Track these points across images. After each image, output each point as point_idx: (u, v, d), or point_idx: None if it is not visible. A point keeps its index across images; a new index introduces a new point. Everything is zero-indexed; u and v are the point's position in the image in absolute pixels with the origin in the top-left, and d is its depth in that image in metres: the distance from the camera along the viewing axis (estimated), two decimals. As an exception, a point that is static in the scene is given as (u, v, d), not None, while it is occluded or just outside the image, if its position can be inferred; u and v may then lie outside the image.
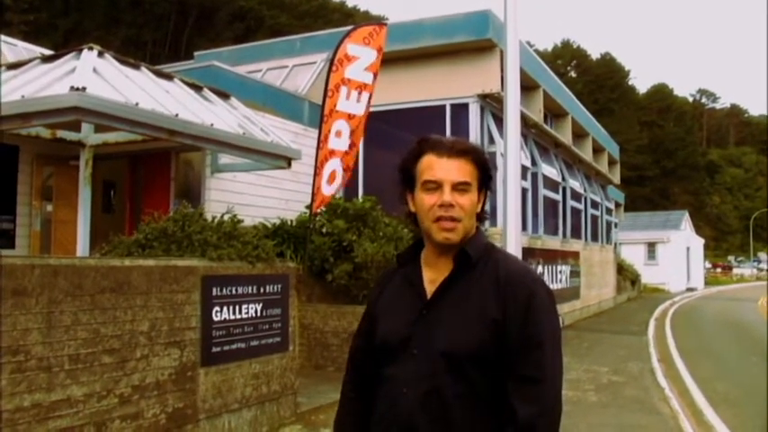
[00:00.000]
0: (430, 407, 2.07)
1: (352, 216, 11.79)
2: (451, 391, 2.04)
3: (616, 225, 34.65)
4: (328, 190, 10.60)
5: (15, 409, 4.95)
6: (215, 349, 6.91)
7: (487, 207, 2.30)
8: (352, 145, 10.66)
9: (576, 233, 22.94)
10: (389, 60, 13.05)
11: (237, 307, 7.24)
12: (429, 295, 2.18)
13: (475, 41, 15.17)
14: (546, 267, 18.18)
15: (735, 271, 74.84)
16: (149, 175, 12.34)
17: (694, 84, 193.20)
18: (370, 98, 10.70)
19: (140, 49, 48.72)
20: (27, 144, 11.22)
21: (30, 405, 5.05)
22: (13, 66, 9.66)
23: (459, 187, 2.13)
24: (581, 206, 23.78)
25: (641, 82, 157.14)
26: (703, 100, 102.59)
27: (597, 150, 27.39)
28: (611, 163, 30.49)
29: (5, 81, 8.68)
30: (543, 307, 2.08)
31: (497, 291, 2.07)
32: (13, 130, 8.88)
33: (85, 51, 8.81)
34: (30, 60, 9.57)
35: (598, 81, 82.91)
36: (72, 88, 7.30)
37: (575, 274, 21.65)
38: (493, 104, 15.54)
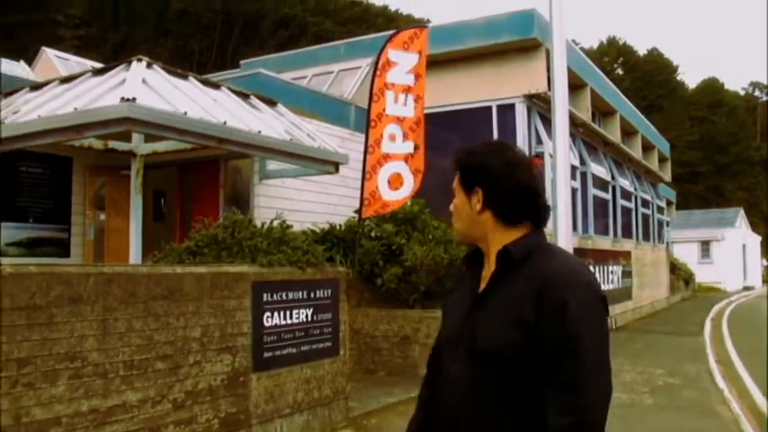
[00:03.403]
0: (470, 405, 2.07)
1: (401, 219, 11.79)
2: (489, 390, 2.04)
3: (668, 224, 34.12)
4: (394, 195, 10.55)
5: (74, 414, 5.05)
6: (266, 354, 6.95)
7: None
8: (417, 148, 10.63)
9: (626, 233, 22.67)
10: (434, 63, 13.05)
11: (288, 312, 7.28)
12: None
13: (520, 41, 15.10)
14: (597, 268, 17.97)
15: (794, 268, 73.28)
16: (199, 183, 12.47)
17: (746, 77, 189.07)
18: (417, 100, 10.66)
19: (187, 59, 49.30)
20: (80, 155, 11.43)
21: (87, 410, 5.14)
22: (65, 79, 9.85)
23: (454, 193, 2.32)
24: (631, 205, 23.49)
25: (691, 77, 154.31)
26: (756, 93, 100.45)
27: (647, 148, 27.04)
28: (662, 160, 30.09)
29: (59, 95, 8.86)
30: (583, 309, 2.00)
31: (534, 291, 2.04)
32: (66, 142, 9.05)
33: (135, 63, 8.95)
34: (81, 74, 9.75)
35: (646, 77, 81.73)
36: (122, 99, 7.42)
37: (626, 274, 21.37)
38: (540, 104, 15.44)
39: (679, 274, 34.00)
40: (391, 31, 11.63)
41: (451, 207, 2.32)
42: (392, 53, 10.48)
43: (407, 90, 10.55)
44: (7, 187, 10.74)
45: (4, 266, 4.85)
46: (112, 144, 10.16)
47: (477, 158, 2.26)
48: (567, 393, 1.95)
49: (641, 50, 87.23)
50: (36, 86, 10.12)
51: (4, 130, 8.32)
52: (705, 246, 47.46)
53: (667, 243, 32.88)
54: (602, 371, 2.01)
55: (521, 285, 2.08)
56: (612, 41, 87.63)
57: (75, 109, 7.76)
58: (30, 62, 18.19)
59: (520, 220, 2.21)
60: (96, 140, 9.89)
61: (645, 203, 25.64)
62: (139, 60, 9.05)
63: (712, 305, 28.98)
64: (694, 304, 30.29)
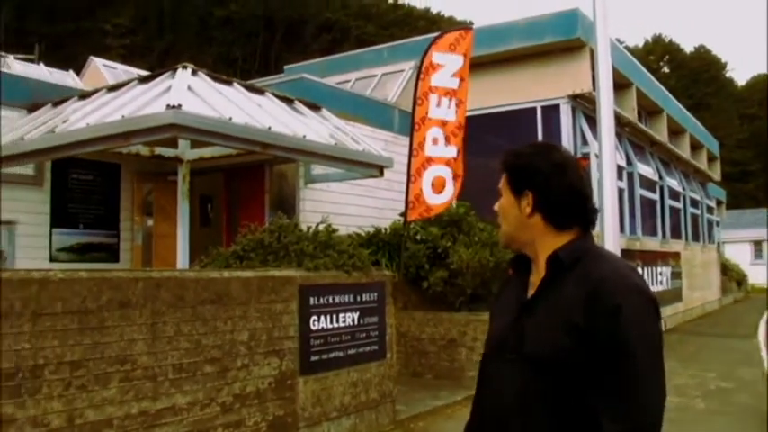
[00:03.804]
0: (520, 410, 2.05)
1: (447, 222, 11.77)
2: (539, 394, 2.01)
3: (718, 224, 33.55)
4: (436, 199, 10.54)
5: (125, 416, 5.12)
6: (313, 358, 6.98)
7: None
8: (459, 151, 10.62)
9: (675, 233, 22.35)
10: (478, 65, 13.01)
11: (335, 316, 7.31)
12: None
13: (564, 42, 15.00)
14: (645, 269, 17.74)
15: None
16: (244, 188, 12.57)
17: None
18: (460, 103, 10.64)
19: (231, 65, 49.70)
20: (128, 162, 11.61)
21: (137, 413, 5.22)
22: (113, 88, 10.02)
23: (499, 194, 2.29)
24: (680, 205, 23.17)
25: (740, 74, 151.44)
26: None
27: (695, 147, 26.65)
28: (711, 159, 29.62)
29: (107, 103, 9.01)
30: (635, 315, 1.98)
31: (585, 295, 2.01)
32: (114, 149, 9.19)
33: (180, 70, 9.07)
34: (128, 82, 9.90)
35: (693, 75, 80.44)
36: (168, 106, 7.51)
37: (676, 275, 21.05)
38: (585, 105, 15.31)
39: (731, 275, 33.38)
40: (435, 34, 11.61)
41: (496, 207, 2.29)
42: (437, 56, 10.46)
43: (451, 93, 10.53)
44: (58, 194, 10.95)
45: (55, 271, 4.94)
46: (159, 150, 10.30)
47: (527, 160, 2.23)
48: (622, 399, 1.93)
49: (688, 48, 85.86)
50: (84, 95, 10.30)
51: (55, 138, 8.47)
52: (758, 246, 46.56)
53: (718, 243, 32.32)
54: (656, 376, 1.99)
55: (570, 290, 2.05)
56: (658, 39, 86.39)
57: (123, 117, 7.88)
58: (78, 71, 18.53)
59: (570, 224, 2.19)
60: (143, 147, 10.03)
61: (694, 203, 25.27)
62: (185, 68, 9.17)
63: (766, 307, 28.38)
64: (747, 306, 29.68)
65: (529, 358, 2.05)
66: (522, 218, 2.21)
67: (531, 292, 2.20)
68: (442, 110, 10.45)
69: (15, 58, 20.68)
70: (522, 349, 2.08)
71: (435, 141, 10.43)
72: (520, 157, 2.25)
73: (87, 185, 11.42)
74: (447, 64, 10.51)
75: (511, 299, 2.27)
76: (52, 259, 10.74)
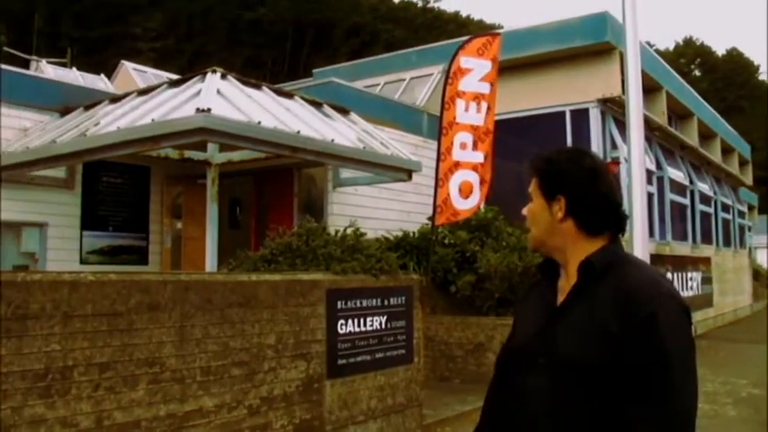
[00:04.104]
0: (552, 418, 2.02)
1: (475, 226, 11.73)
2: (571, 403, 1.99)
3: (750, 229, 33.19)
4: (464, 204, 10.50)
5: (153, 418, 5.16)
6: (341, 361, 6.98)
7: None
8: (487, 155, 10.58)
9: (706, 238, 22.11)
10: (506, 69, 12.96)
11: (362, 319, 7.30)
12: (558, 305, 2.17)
13: (593, 45, 14.91)
14: (675, 274, 17.58)
15: None
16: (273, 192, 12.61)
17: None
18: (489, 108, 10.61)
19: (260, 68, 49.94)
20: (157, 165, 11.70)
21: (165, 415, 5.24)
22: (143, 91, 10.11)
23: (529, 198, 2.25)
24: (711, 210, 22.93)
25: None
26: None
27: (726, 151, 26.38)
28: (743, 163, 29.31)
29: (137, 106, 9.09)
30: (670, 322, 1.97)
31: (618, 303, 2.00)
32: (144, 152, 9.26)
33: (209, 74, 9.13)
34: (158, 86, 9.99)
35: (725, 79, 79.61)
36: (198, 110, 7.57)
37: (706, 280, 20.83)
38: (614, 109, 15.21)
39: (763, 280, 33.00)
40: (463, 38, 11.59)
41: (525, 211, 2.26)
42: (464, 60, 10.44)
43: (479, 98, 10.49)
44: (89, 197, 11.06)
45: (86, 274, 4.99)
46: (189, 154, 10.36)
47: (560, 166, 2.21)
48: (656, 406, 1.91)
49: (720, 51, 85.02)
50: (115, 99, 10.40)
51: (87, 142, 8.56)
52: (790, 251, 45.95)
53: (750, 248, 31.97)
54: (689, 384, 1.98)
55: (603, 297, 2.04)
56: (689, 42, 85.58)
57: (153, 120, 7.95)
58: (109, 75, 18.74)
59: (602, 230, 2.17)
60: (173, 150, 10.10)
61: (725, 208, 25.00)
62: (214, 72, 9.22)
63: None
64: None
65: (561, 365, 2.03)
66: (554, 223, 2.18)
67: (560, 298, 2.17)
68: (470, 114, 10.41)
69: (48, 62, 20.99)
70: (554, 356, 2.06)
71: (464, 146, 10.39)
72: (552, 163, 2.23)
73: (117, 188, 11.53)
74: (475, 68, 10.47)
75: (538, 304, 2.25)
76: (82, 261, 10.85)
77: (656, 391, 1.91)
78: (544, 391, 2.06)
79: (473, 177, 10.47)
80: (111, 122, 8.70)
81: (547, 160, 2.24)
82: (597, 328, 1.99)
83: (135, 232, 11.79)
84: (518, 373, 2.18)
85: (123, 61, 19.65)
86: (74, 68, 20.13)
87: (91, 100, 10.63)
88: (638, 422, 1.91)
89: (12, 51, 28.67)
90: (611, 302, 2.01)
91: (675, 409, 1.92)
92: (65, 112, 10.58)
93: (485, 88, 10.55)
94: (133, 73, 18.23)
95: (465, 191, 10.41)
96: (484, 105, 10.54)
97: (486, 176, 10.60)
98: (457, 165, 10.35)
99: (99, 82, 16.75)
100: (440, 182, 10.30)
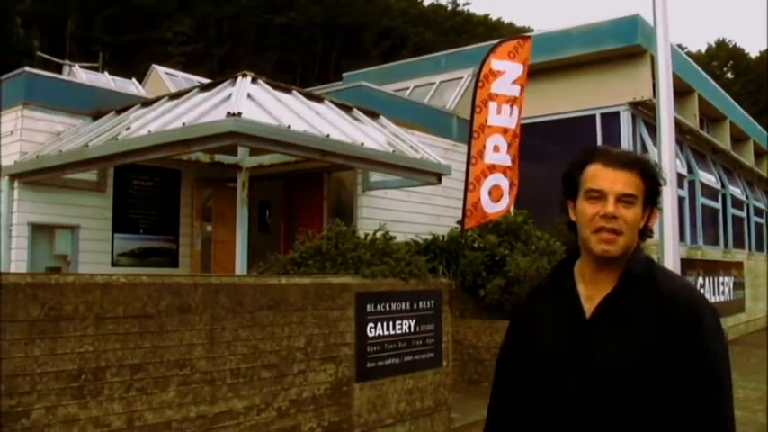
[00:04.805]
0: (589, 426, 2.00)
1: (504, 230, 11.69)
2: (610, 414, 1.96)
3: (783, 233, 32.77)
4: (494, 208, 10.46)
5: (183, 419, 5.19)
6: (369, 365, 6.98)
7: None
8: (514, 159, 10.54)
9: (738, 243, 21.87)
10: (536, 72, 12.92)
11: (391, 323, 7.29)
12: (588, 313, 2.10)
13: (624, 48, 14.82)
14: (707, 279, 17.42)
15: None
16: (303, 195, 12.66)
17: None
18: (520, 111, 10.57)
19: (290, 72, 50.09)
20: (188, 168, 11.79)
21: (195, 416, 5.28)
22: (174, 96, 10.19)
23: (624, 199, 2.05)
24: (743, 214, 22.68)
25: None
26: None
27: (759, 154, 26.08)
28: (776, 167, 28.96)
29: (168, 110, 9.17)
30: (711, 332, 1.97)
31: (660, 313, 1.98)
32: (175, 156, 9.34)
33: (240, 78, 9.18)
34: (189, 90, 10.07)
35: (758, 81, 78.57)
36: (228, 114, 7.62)
37: (738, 285, 20.61)
38: (645, 112, 15.10)
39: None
40: (491, 42, 11.59)
41: (630, 216, 2.07)
42: (496, 63, 10.40)
43: (512, 101, 10.45)
44: (120, 200, 11.18)
45: (118, 276, 5.04)
46: (219, 157, 10.43)
47: (658, 173, 2.16)
48: (703, 420, 1.91)
49: (753, 52, 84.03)
50: (147, 103, 10.50)
51: (118, 145, 8.65)
52: (824, 256, 45.25)
53: (783, 253, 31.58)
54: (731, 390, 1.98)
55: (643, 307, 2.02)
56: (721, 44, 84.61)
57: (184, 124, 8.02)
58: (141, 79, 18.91)
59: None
60: (203, 154, 10.17)
61: (758, 212, 24.70)
62: (244, 76, 9.28)
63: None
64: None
65: (600, 380, 1.99)
66: (637, 228, 2.11)
67: (587, 306, 2.12)
68: (503, 117, 10.36)
69: (80, 67, 21.22)
70: (593, 370, 2.02)
71: (497, 149, 10.34)
72: (654, 166, 2.17)
73: (148, 191, 11.64)
74: (507, 71, 10.42)
75: (562, 312, 2.17)
76: (114, 263, 10.97)
77: (704, 402, 1.91)
78: (579, 402, 2.02)
79: (503, 181, 10.44)
80: (142, 126, 8.79)
81: (652, 166, 2.16)
82: (638, 338, 1.97)
83: (165, 235, 11.89)
84: (549, 384, 2.12)
85: (154, 65, 19.79)
86: (105, 73, 20.30)
87: (122, 104, 10.74)
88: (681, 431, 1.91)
89: (45, 56, 29.06)
90: (653, 313, 1.99)
91: (723, 417, 1.93)
92: (97, 116, 10.70)
93: (516, 91, 10.52)
94: (164, 77, 18.36)
95: (495, 195, 10.37)
96: (515, 108, 10.51)
97: (514, 179, 10.56)
98: (491, 168, 10.30)
99: (130, 86, 16.87)
100: (470, 186, 10.26)
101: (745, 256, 22.12)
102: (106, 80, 17.51)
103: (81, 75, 18.28)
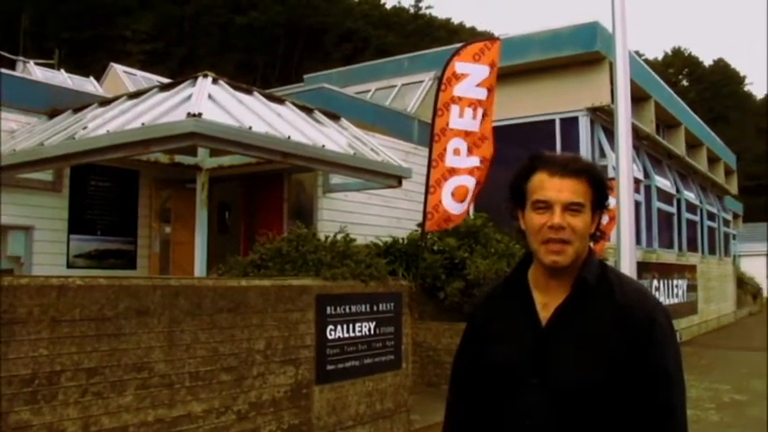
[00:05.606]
0: None
1: (464, 233, 11.73)
2: (573, 424, 1.96)
3: (735, 237, 33.42)
4: (458, 209, 10.43)
5: (140, 424, 5.12)
6: (329, 367, 6.97)
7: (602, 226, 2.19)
8: (484, 160, 10.48)
9: (692, 246, 22.25)
10: (497, 76, 13.00)
11: (351, 325, 7.29)
12: (544, 321, 2.08)
13: (583, 54, 14.96)
14: (662, 282, 17.69)
15: None
16: (263, 197, 12.60)
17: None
18: (486, 113, 10.52)
19: (252, 73, 49.86)
20: (147, 169, 11.65)
21: (153, 420, 5.21)
22: (133, 95, 10.06)
23: (572, 208, 2.02)
24: (697, 218, 23.07)
25: (758, 87, 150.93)
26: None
27: (713, 160, 26.54)
28: (728, 173, 29.50)
29: (127, 110, 9.05)
30: (665, 335, 1.99)
31: (614, 318, 1.99)
32: (134, 156, 9.23)
33: (200, 78, 9.10)
34: (149, 89, 9.96)
35: (712, 89, 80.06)
36: (188, 115, 7.55)
37: (692, 288, 20.99)
38: (603, 117, 15.27)
39: (746, 288, 33.20)
40: (454, 46, 11.59)
41: (576, 223, 2.04)
42: (460, 66, 10.35)
43: (476, 104, 10.41)
44: (77, 200, 11.00)
45: (74, 278, 4.95)
46: (178, 158, 10.34)
47: (604, 176, 2.13)
48: (661, 419, 1.94)
49: (707, 61, 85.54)
50: (105, 102, 10.35)
51: (75, 145, 8.52)
52: (774, 259, 46.28)
53: (734, 257, 32.19)
54: (684, 393, 2.02)
55: (599, 315, 2.02)
56: (677, 52, 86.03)
57: (143, 124, 7.92)
58: (98, 77, 18.66)
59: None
60: (162, 154, 10.07)
61: (711, 216, 25.16)
62: (205, 76, 9.20)
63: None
64: (762, 319, 29.43)
65: (561, 388, 1.99)
66: (587, 236, 2.10)
67: (543, 313, 2.10)
68: (465, 120, 10.31)
69: (35, 64, 20.84)
70: (552, 378, 2.01)
71: (457, 152, 10.29)
72: (600, 170, 2.14)
73: (106, 192, 11.47)
74: (472, 74, 10.36)
75: (518, 319, 2.16)
76: (69, 265, 10.79)
77: (662, 404, 1.94)
78: (541, 413, 2.01)
79: (468, 182, 10.39)
80: (100, 126, 8.66)
81: (598, 171, 2.12)
82: (597, 347, 1.97)
83: (123, 236, 11.73)
84: (504, 393, 2.11)
85: (113, 63, 19.57)
86: (62, 70, 20.01)
87: (80, 102, 10.58)
88: None
89: (-3, 52, 28.52)
90: (609, 319, 2.00)
91: (678, 419, 1.96)
92: (53, 114, 10.52)
93: (481, 94, 10.43)
94: (123, 76, 18.16)
95: (459, 196, 10.31)
96: (480, 111, 10.45)
97: (482, 180, 10.48)
98: (451, 171, 10.28)
99: (88, 84, 16.66)
100: (431, 188, 10.24)
101: (699, 260, 22.51)
102: (63, 78, 17.28)
103: (36, 72, 17.96)
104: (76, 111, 10.29)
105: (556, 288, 2.10)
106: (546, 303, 2.11)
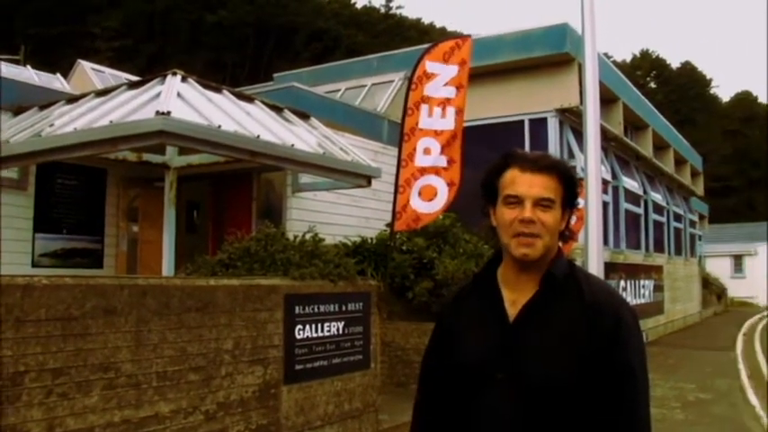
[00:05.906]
0: None
1: (432, 233, 11.77)
2: (542, 422, 1.98)
3: (700, 238, 33.86)
4: (426, 208, 10.40)
5: (107, 425, 5.08)
6: (298, 367, 6.96)
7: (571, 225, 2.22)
8: (452, 161, 10.46)
9: (658, 247, 22.50)
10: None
11: (320, 325, 7.28)
12: (512, 318, 2.10)
13: (553, 55, 15.08)
14: (629, 282, 17.86)
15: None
16: (232, 196, 12.55)
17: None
18: (457, 113, 10.51)
19: (221, 71, 49.59)
20: (114, 167, 11.54)
21: (119, 421, 5.17)
22: (101, 92, 9.97)
23: (542, 203, 2.06)
24: (663, 219, 23.33)
25: (724, 90, 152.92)
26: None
27: (679, 162, 26.88)
28: (694, 174, 29.89)
29: (95, 107, 8.97)
30: (631, 332, 2.03)
31: (583, 316, 2.02)
32: (101, 154, 9.14)
33: (169, 77, 9.04)
34: (117, 87, 9.86)
35: (679, 91, 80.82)
36: (157, 113, 7.49)
37: (658, 288, 21.24)
38: (572, 118, 15.40)
39: (711, 288, 33.69)
40: (424, 46, 11.60)
41: (545, 218, 2.07)
42: (430, 65, 10.34)
43: (445, 103, 10.40)
44: (42, 198, 10.88)
45: (39, 277, 4.90)
46: (147, 157, 10.26)
47: (574, 173, 2.17)
48: (625, 415, 1.97)
49: (674, 64, 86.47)
50: (72, 99, 10.24)
51: (41, 142, 8.43)
52: (738, 260, 46.94)
53: (700, 257, 32.61)
54: (647, 390, 2.05)
55: (567, 312, 2.05)
56: (645, 55, 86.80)
57: (111, 122, 7.85)
58: (66, 74, 18.45)
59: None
60: (130, 153, 9.99)
61: (677, 217, 25.45)
62: (174, 74, 9.14)
63: (745, 320, 28.64)
64: (726, 319, 29.95)
65: (530, 385, 2.01)
66: (557, 232, 2.13)
67: (511, 311, 2.12)
68: (434, 119, 10.30)
69: (0, 59, 20.56)
70: (519, 375, 2.03)
71: (427, 151, 10.28)
72: (570, 169, 2.18)
73: (72, 190, 11.35)
74: (441, 73, 10.36)
75: (486, 317, 2.18)
76: (34, 264, 10.67)
77: (627, 399, 1.97)
78: (508, 409, 2.03)
79: (437, 182, 10.38)
80: (67, 123, 8.57)
81: (567, 165, 2.17)
82: (567, 344, 2.00)
83: (90, 235, 11.62)
84: (472, 391, 2.12)
85: (80, 60, 19.36)
86: (28, 66, 19.74)
87: (46, 99, 10.45)
88: (610, 430, 1.96)
89: (-39, 47, 28.12)
90: (578, 318, 2.02)
91: (641, 415, 2.00)
92: (18, 111, 10.38)
93: (451, 93, 10.43)
94: (90, 73, 17.97)
95: (427, 195, 10.29)
96: (450, 110, 10.42)
97: (454, 179, 10.46)
98: (421, 170, 10.26)
99: (55, 81, 16.48)
100: (400, 188, 10.24)
101: (665, 260, 22.76)
102: (29, 74, 17.04)
103: (1, 68, 17.72)
104: (43, 108, 10.18)
105: (525, 284, 2.12)
106: (514, 300, 2.13)
